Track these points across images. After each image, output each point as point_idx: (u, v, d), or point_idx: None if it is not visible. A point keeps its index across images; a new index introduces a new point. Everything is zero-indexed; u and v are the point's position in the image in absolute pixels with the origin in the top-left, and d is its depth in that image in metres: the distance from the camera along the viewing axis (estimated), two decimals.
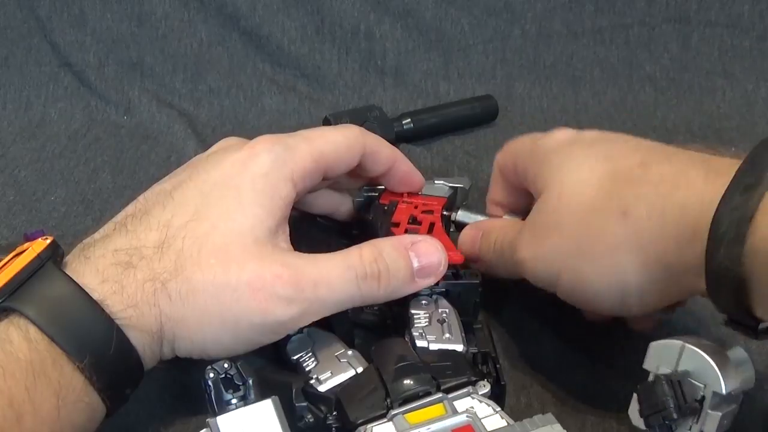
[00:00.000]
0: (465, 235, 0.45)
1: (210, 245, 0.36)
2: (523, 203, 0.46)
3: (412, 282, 0.38)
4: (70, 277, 0.34)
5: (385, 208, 0.46)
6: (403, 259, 0.38)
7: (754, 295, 0.31)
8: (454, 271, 0.42)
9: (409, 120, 0.66)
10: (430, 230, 0.44)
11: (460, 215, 0.47)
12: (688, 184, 0.33)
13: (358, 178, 0.47)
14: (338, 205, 0.49)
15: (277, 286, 0.35)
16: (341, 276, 0.37)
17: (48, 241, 0.35)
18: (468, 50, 0.74)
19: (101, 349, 0.33)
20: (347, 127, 0.43)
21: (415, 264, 0.38)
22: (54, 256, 0.35)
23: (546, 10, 0.74)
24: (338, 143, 0.41)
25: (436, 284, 0.40)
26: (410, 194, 0.48)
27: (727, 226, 0.30)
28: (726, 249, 0.30)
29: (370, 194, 0.48)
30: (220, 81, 0.72)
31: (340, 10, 0.72)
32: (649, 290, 0.36)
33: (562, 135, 0.41)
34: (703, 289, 0.33)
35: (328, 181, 0.44)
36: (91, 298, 0.34)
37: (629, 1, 0.74)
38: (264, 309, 0.35)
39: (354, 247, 0.38)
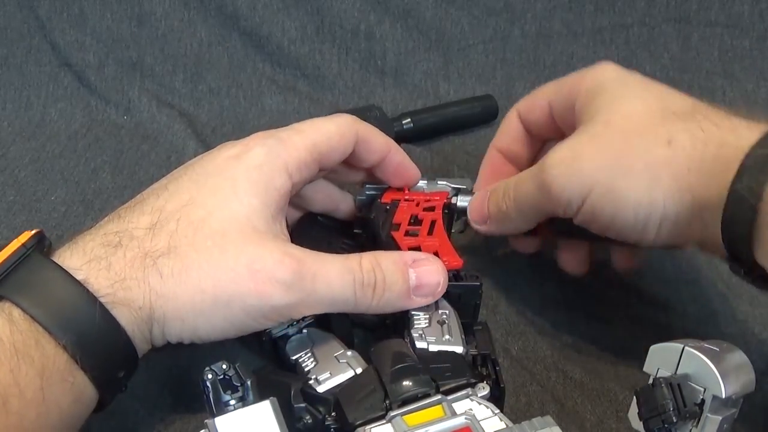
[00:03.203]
0: (474, 200, 0.47)
1: (206, 229, 0.36)
2: (529, 154, 0.49)
3: (407, 298, 0.39)
4: (53, 260, 0.34)
5: (387, 207, 0.46)
6: (401, 275, 0.38)
7: (761, 236, 0.33)
8: (455, 272, 0.42)
9: (409, 120, 0.65)
10: (431, 230, 0.44)
11: (461, 200, 0.48)
12: (731, 127, 0.36)
13: (355, 169, 0.46)
14: (339, 202, 0.49)
15: (277, 271, 0.35)
16: (340, 276, 0.37)
17: (33, 232, 0.35)
18: (468, 50, 0.74)
19: (84, 327, 0.33)
20: (339, 116, 0.43)
21: (413, 282, 0.38)
22: (41, 247, 0.35)
23: (546, 10, 0.74)
24: (331, 132, 0.41)
25: None
26: (411, 191, 0.48)
27: (755, 159, 0.33)
28: (749, 178, 0.33)
29: (372, 193, 0.48)
30: (220, 81, 0.72)
31: (340, 10, 0.72)
32: (673, 219, 0.37)
33: (611, 70, 0.43)
34: (713, 237, 0.35)
35: (325, 171, 0.44)
36: (71, 276, 0.34)
37: (629, 1, 0.74)
38: (261, 291, 0.35)
39: (355, 254, 0.38)
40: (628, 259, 0.47)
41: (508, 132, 0.49)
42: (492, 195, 0.45)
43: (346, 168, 0.46)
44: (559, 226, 0.44)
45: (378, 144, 0.44)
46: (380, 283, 0.37)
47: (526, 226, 0.44)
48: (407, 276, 0.38)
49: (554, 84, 0.46)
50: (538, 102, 0.47)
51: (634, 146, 0.38)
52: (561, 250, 0.47)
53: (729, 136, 0.35)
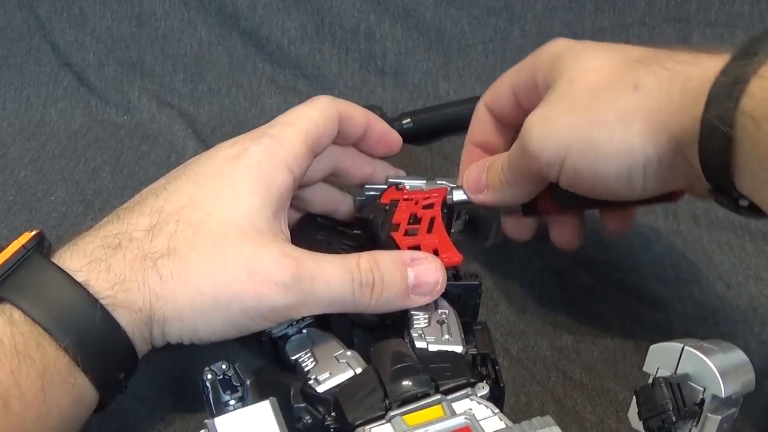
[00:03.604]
0: (471, 172, 0.46)
1: (206, 230, 0.36)
2: (504, 142, 0.49)
3: (406, 297, 0.39)
4: (53, 262, 0.34)
5: (386, 207, 0.46)
6: (399, 274, 0.38)
7: (738, 163, 0.33)
8: (454, 272, 0.42)
9: (409, 120, 0.65)
10: (430, 227, 0.44)
11: (456, 195, 0.47)
12: (693, 61, 0.36)
13: (348, 150, 0.47)
14: (338, 203, 0.49)
15: (276, 272, 0.35)
16: (338, 276, 0.37)
17: (33, 233, 0.35)
18: (468, 50, 0.74)
19: (85, 329, 0.33)
20: (318, 99, 0.43)
21: (412, 281, 0.38)
22: (41, 248, 0.35)
23: (546, 10, 0.74)
24: (316, 117, 0.42)
25: None
26: (410, 191, 0.48)
27: (721, 87, 0.32)
28: (717, 107, 0.32)
29: (372, 193, 0.48)
30: (220, 81, 0.72)
31: (340, 10, 0.72)
32: (655, 163, 0.37)
33: (564, 41, 0.43)
34: (698, 175, 0.34)
35: (319, 154, 0.44)
36: (72, 278, 0.34)
37: (629, 1, 0.74)
38: (259, 293, 0.35)
39: (354, 254, 0.38)
40: (620, 221, 0.46)
41: (480, 125, 0.50)
42: (491, 166, 0.45)
43: (345, 169, 0.46)
44: (555, 198, 0.45)
45: (359, 117, 0.45)
46: (378, 283, 0.37)
47: (520, 195, 0.44)
48: (405, 275, 0.38)
49: (513, 70, 0.47)
50: (502, 91, 0.48)
51: (602, 97, 0.38)
52: (552, 226, 0.47)
53: (693, 69, 0.35)
